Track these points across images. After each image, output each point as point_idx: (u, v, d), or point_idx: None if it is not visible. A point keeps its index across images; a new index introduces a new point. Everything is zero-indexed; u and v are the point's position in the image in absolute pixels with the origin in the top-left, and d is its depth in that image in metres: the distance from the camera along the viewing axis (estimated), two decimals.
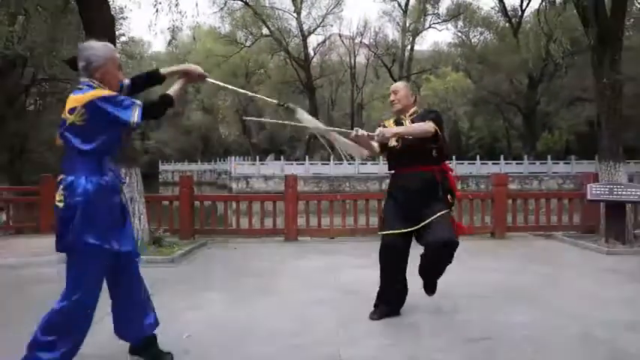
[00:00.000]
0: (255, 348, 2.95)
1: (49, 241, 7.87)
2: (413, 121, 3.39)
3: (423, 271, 3.36)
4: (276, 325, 3.35)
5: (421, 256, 3.29)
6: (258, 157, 36.99)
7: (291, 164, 33.95)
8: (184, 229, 7.25)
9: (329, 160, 34.22)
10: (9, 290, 4.49)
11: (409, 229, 3.26)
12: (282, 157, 37.15)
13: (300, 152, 39.89)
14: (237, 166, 34.43)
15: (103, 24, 6.19)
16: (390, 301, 3.50)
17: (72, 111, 2.33)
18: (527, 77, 36.04)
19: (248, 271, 5.20)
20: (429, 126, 3.19)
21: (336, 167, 33.07)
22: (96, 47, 2.51)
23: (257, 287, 4.47)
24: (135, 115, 2.35)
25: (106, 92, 2.38)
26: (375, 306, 3.52)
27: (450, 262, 3.23)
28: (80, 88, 2.40)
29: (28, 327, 2.51)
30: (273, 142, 50.28)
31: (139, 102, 2.39)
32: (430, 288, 3.46)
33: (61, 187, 2.33)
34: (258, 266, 5.50)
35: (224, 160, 42.11)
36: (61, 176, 2.35)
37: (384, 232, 3.33)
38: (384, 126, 3.49)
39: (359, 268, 5.21)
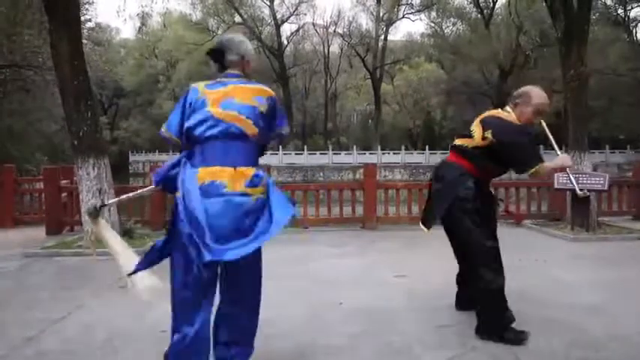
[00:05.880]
0: None
1: (13, 234, 7.53)
2: None
3: None
4: None
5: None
6: None
7: (264, 154, 33.73)
8: (155, 220, 7.14)
9: (302, 150, 34.18)
10: None
11: None
12: None
13: (274, 142, 39.74)
14: None
15: (66, 7, 5.95)
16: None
17: (260, 100, 2.28)
18: (498, 68, 36.66)
19: None
20: None
21: (310, 157, 33.08)
22: (248, 43, 2.52)
23: None
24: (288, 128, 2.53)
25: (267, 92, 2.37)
26: None
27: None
28: (236, 79, 2.35)
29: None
30: None
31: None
32: None
33: (260, 181, 2.26)
34: None
35: None
36: (253, 170, 2.25)
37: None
38: None
39: (334, 257, 5.27)
